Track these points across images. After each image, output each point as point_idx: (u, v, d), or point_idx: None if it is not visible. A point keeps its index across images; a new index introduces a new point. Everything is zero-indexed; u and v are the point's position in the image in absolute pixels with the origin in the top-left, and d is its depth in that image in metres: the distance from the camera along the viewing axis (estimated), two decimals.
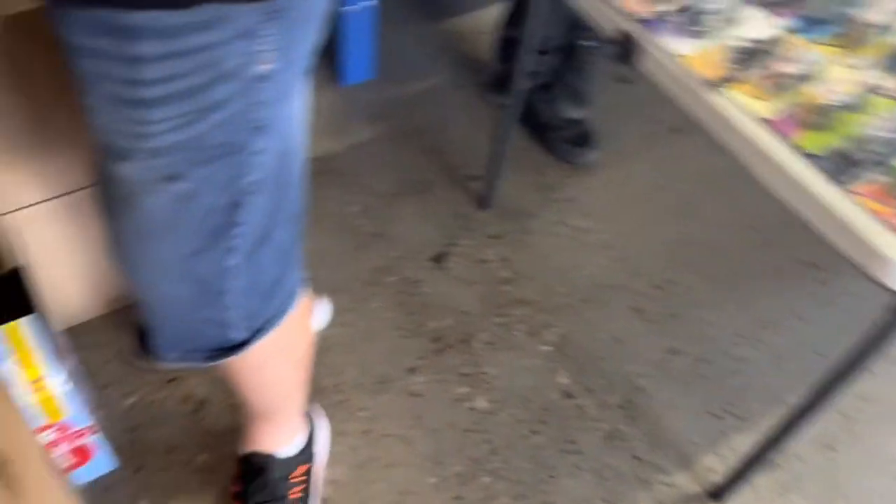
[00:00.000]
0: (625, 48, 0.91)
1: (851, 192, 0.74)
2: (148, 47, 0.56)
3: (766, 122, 0.78)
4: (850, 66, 0.84)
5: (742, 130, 0.79)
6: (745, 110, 0.80)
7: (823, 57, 0.84)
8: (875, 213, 0.71)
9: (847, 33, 0.86)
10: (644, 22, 0.89)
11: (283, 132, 0.72)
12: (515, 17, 1.69)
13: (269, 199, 0.73)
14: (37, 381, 0.98)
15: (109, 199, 0.69)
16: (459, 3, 2.14)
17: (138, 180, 0.65)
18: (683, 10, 0.89)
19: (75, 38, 0.57)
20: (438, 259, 1.56)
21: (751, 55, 0.83)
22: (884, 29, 0.85)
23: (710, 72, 0.83)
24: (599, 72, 1.72)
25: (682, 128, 1.92)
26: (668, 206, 1.73)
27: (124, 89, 0.58)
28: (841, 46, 0.86)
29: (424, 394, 1.36)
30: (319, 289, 1.46)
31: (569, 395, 1.39)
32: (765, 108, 0.80)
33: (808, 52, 0.84)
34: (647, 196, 1.75)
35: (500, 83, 1.82)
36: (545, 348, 1.45)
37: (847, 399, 1.42)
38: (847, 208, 0.72)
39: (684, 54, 0.86)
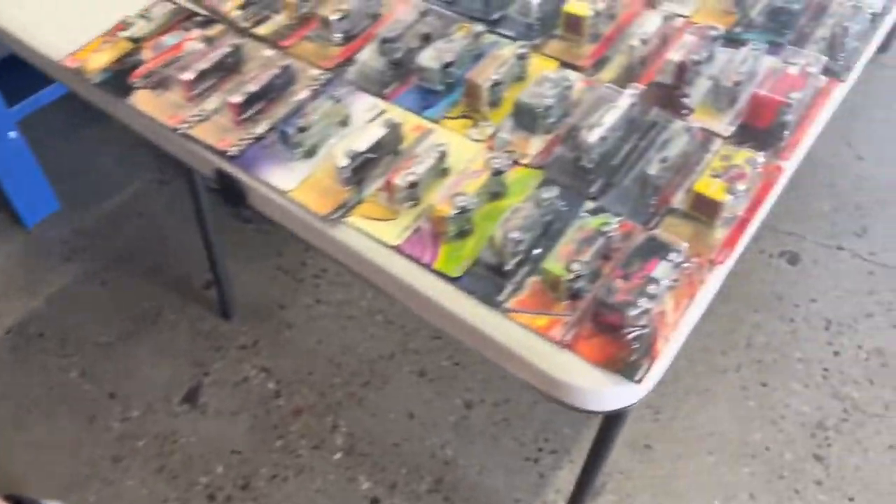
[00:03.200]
0: (232, 191, 0.74)
1: (509, 310, 0.62)
2: None
3: (397, 248, 0.65)
4: (478, 140, 0.72)
5: (375, 263, 0.65)
6: (371, 239, 0.66)
7: (448, 136, 0.71)
8: (538, 331, 0.60)
9: (467, 99, 0.74)
10: (236, 158, 0.73)
11: None
12: None
13: None
14: None
15: None
16: None
17: None
18: (275, 131, 0.73)
19: None
20: (191, 397, 1.36)
21: (366, 165, 0.69)
22: (498, 84, 0.74)
23: (323, 202, 0.68)
24: None
25: None
26: None
27: None
28: (465, 116, 0.74)
29: None
30: (54, 492, 1.22)
31: (375, 501, 1.24)
32: (393, 230, 0.66)
33: (424, 138, 0.71)
34: None
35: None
36: (336, 457, 1.29)
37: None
38: (509, 333, 0.60)
39: (289, 189, 0.70)
